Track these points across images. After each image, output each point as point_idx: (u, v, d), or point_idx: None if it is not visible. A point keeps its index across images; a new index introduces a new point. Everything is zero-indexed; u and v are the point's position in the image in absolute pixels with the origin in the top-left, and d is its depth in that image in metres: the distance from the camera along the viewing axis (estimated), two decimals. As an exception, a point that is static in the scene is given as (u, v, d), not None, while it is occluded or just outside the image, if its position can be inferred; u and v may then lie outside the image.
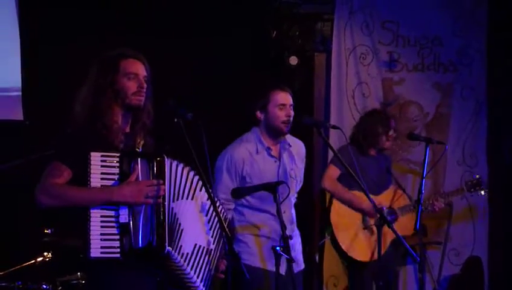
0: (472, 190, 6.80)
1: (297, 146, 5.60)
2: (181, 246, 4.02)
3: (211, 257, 4.20)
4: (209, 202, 4.17)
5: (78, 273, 5.86)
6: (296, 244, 5.46)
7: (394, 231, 4.86)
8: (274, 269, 4.99)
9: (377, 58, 7.85)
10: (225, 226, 3.99)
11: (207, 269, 4.16)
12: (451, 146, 7.69)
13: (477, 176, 6.85)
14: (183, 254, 4.02)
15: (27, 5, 7.15)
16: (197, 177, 4.17)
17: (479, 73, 7.84)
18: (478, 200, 7.66)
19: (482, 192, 6.87)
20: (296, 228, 5.58)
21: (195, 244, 4.11)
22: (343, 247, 6.50)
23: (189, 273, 4.06)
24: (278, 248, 4.69)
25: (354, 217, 6.56)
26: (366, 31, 7.84)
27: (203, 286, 4.12)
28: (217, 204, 4.17)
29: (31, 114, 7.11)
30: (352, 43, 7.83)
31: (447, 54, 7.87)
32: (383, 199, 6.56)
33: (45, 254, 5.95)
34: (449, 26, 7.83)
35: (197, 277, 4.09)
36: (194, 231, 4.13)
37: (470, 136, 7.85)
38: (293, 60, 7.84)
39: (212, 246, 4.22)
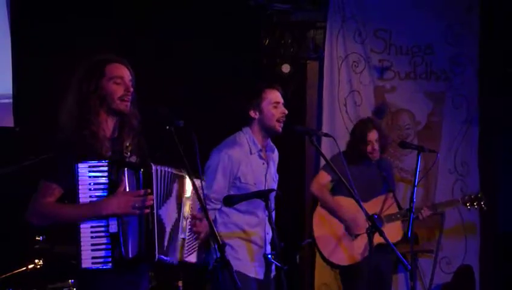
0: (468, 204, 6.74)
1: (276, 151, 5.58)
2: (164, 245, 4.02)
3: (176, 227, 4.15)
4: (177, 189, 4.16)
5: (69, 281, 5.84)
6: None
7: (385, 239, 4.85)
8: (258, 277, 5.05)
9: (369, 66, 7.86)
10: (216, 234, 3.97)
11: (176, 241, 4.13)
12: (443, 154, 7.69)
13: (480, 194, 6.79)
14: (164, 251, 4.02)
15: (19, 13, 7.14)
16: (173, 173, 4.12)
17: (471, 81, 7.86)
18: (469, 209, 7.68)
19: (483, 207, 6.79)
20: None
21: (169, 231, 4.08)
22: (323, 252, 6.51)
23: (167, 261, 4.06)
24: (269, 256, 4.69)
25: (336, 223, 6.55)
26: (359, 39, 7.86)
27: (173, 257, 4.09)
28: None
29: (22, 121, 7.09)
30: (344, 51, 7.84)
31: (439, 62, 7.89)
32: (371, 206, 6.55)
33: (36, 261, 5.93)
34: (441, 34, 7.85)
35: (171, 256, 4.07)
36: (171, 221, 4.12)
37: (462, 145, 7.86)
38: (286, 68, 7.85)
39: (176, 215, 4.16)
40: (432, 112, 7.90)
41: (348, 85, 7.85)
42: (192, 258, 4.23)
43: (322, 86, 7.86)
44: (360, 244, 6.45)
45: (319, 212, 6.59)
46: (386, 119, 7.80)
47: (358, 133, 6.62)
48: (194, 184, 4.06)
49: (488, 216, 7.81)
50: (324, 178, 6.61)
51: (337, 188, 6.59)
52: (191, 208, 4.25)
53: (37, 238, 5.89)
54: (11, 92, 7.11)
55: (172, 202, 4.14)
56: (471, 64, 7.85)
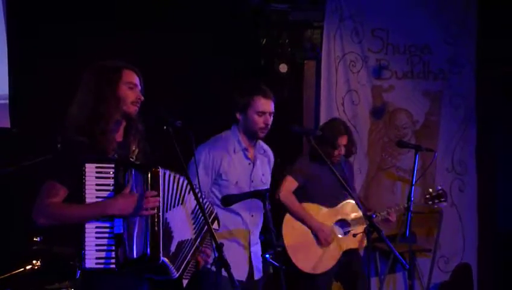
0: (431, 202, 6.67)
1: (269, 153, 5.57)
2: (170, 250, 4.06)
3: (189, 246, 4.23)
4: (195, 203, 4.21)
5: (67, 281, 5.83)
6: (258, 251, 5.42)
7: (384, 239, 4.85)
8: (240, 278, 5.05)
9: (367, 65, 7.86)
10: (214, 234, 3.99)
11: (184, 257, 4.18)
12: (441, 153, 7.71)
13: (440, 188, 6.71)
14: (170, 256, 4.04)
15: (15, 13, 7.13)
16: (186, 182, 4.19)
17: (468, 81, 7.87)
18: (468, 207, 7.69)
19: (444, 204, 6.72)
20: (259, 234, 5.53)
21: (179, 241, 4.14)
22: (295, 262, 6.45)
23: (171, 269, 4.07)
24: (267, 256, 4.69)
25: (306, 231, 6.52)
26: (356, 38, 7.86)
27: (175, 269, 4.10)
28: (205, 205, 4.24)
29: (18, 122, 7.08)
30: (341, 50, 7.84)
31: (437, 61, 7.90)
32: (336, 212, 6.53)
33: (34, 262, 5.92)
34: (439, 34, 7.86)
35: (175, 268, 4.09)
36: (181, 231, 4.17)
37: (459, 144, 7.87)
38: (283, 68, 7.85)
39: (193, 236, 4.25)
40: (430, 111, 7.90)
41: (345, 85, 7.85)
42: (184, 282, 4.25)
43: (320, 86, 7.86)
44: (328, 253, 6.44)
45: (288, 221, 6.52)
46: (384, 119, 7.81)
47: (329, 135, 6.52)
48: (192, 187, 4.09)
49: (486, 214, 7.83)
50: (292, 185, 6.53)
51: (305, 193, 6.54)
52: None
53: (34, 239, 5.88)
54: (7, 93, 7.09)
55: (183, 212, 4.19)
56: (469, 64, 7.86)
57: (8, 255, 6.37)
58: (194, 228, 4.26)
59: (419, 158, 6.44)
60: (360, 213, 6.49)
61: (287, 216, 6.48)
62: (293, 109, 7.66)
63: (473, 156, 7.88)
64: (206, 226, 4.21)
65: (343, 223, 6.53)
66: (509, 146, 8.04)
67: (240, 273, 5.19)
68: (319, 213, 6.45)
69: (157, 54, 7.27)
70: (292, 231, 6.42)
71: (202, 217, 4.23)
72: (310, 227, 6.45)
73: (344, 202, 6.56)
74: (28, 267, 5.92)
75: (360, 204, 4.95)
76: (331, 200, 6.48)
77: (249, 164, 5.35)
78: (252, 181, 5.31)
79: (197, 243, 4.26)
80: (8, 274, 5.89)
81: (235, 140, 5.32)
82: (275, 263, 4.69)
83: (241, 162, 5.32)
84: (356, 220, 6.49)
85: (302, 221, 6.46)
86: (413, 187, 6.12)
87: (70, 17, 7.17)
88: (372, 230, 4.94)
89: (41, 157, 4.12)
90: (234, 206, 5.19)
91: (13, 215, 6.62)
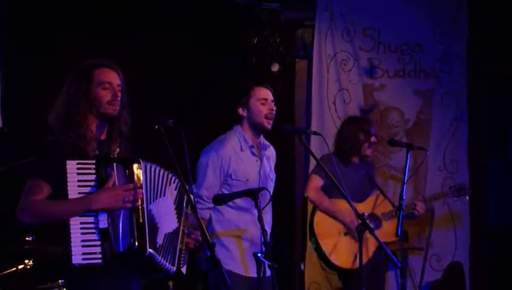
0: (456, 195, 6.79)
1: (271, 149, 5.61)
2: (157, 242, 4.07)
3: (176, 236, 4.25)
4: (176, 193, 4.24)
5: (60, 281, 5.82)
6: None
7: (376, 237, 4.87)
8: (252, 275, 5.05)
9: (358, 64, 7.86)
10: (206, 233, 3.99)
11: (174, 249, 4.21)
12: (432, 152, 7.70)
13: (461, 183, 6.85)
14: (157, 248, 4.05)
15: (5, 13, 7.11)
16: (171, 175, 4.21)
17: (459, 79, 7.87)
18: (459, 206, 7.68)
19: (467, 197, 6.85)
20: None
21: (165, 234, 4.16)
22: (328, 255, 6.49)
23: (162, 263, 4.09)
24: (259, 255, 4.69)
25: (337, 226, 6.55)
26: (347, 37, 7.86)
27: (171, 264, 4.15)
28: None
29: (10, 121, 7.06)
30: (333, 49, 7.84)
31: (428, 60, 7.89)
32: (366, 207, 6.57)
33: (26, 261, 5.92)
34: (430, 33, 7.86)
35: (167, 261, 4.13)
36: (167, 223, 4.19)
37: (451, 142, 7.87)
38: (275, 67, 7.85)
39: (177, 225, 4.27)
40: (421, 109, 7.90)
41: (336, 83, 7.85)
42: (184, 269, 4.28)
43: (311, 85, 7.86)
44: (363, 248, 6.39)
45: (318, 217, 6.57)
46: (376, 117, 7.80)
47: (360, 126, 6.65)
48: (183, 185, 4.10)
49: (478, 213, 7.83)
50: (317, 182, 6.59)
51: (329, 190, 6.58)
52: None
53: (26, 238, 5.88)
54: (-1, 92, 7.08)
55: (166, 203, 4.20)
56: (460, 62, 7.86)
57: (0, 254, 6.36)
58: (177, 218, 4.27)
59: (411, 157, 6.46)
60: (389, 207, 6.54)
61: (317, 215, 6.52)
62: (284, 108, 7.65)
63: (465, 154, 7.87)
64: (186, 209, 4.27)
65: (373, 218, 6.55)
66: (501, 144, 8.06)
67: (253, 270, 5.21)
68: (348, 208, 6.41)
69: (147, 54, 7.27)
70: (325, 229, 6.45)
71: (183, 203, 4.26)
72: (342, 222, 6.48)
73: (371, 197, 6.61)
74: (20, 266, 5.92)
75: (352, 205, 4.94)
76: (357, 197, 6.48)
77: (256, 160, 5.40)
78: (260, 178, 5.35)
79: (181, 228, 4.26)
80: (0, 274, 5.88)
81: (240, 138, 5.36)
82: (267, 262, 4.68)
83: (249, 160, 5.36)
84: (385, 214, 6.54)
85: (334, 217, 6.49)
86: (404, 186, 6.13)
87: (63, 17, 7.15)
88: (364, 229, 4.96)
89: (32, 157, 4.11)
90: (246, 205, 5.21)
91: (4, 215, 6.60)
